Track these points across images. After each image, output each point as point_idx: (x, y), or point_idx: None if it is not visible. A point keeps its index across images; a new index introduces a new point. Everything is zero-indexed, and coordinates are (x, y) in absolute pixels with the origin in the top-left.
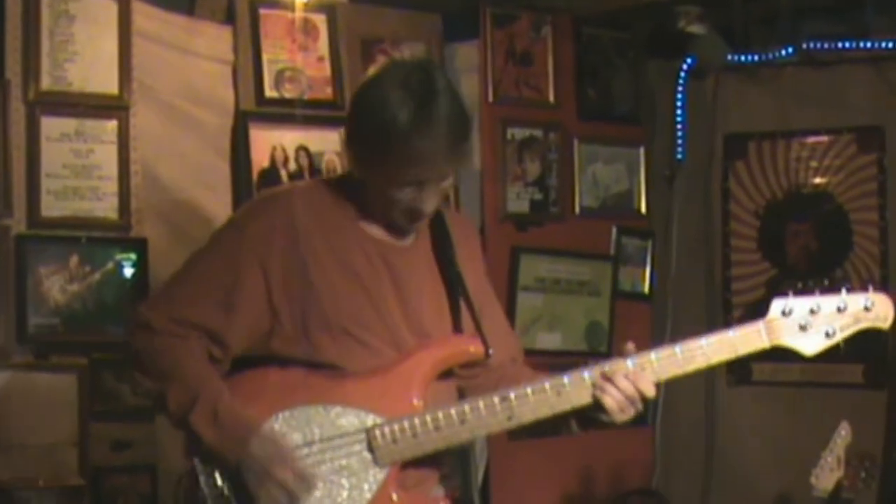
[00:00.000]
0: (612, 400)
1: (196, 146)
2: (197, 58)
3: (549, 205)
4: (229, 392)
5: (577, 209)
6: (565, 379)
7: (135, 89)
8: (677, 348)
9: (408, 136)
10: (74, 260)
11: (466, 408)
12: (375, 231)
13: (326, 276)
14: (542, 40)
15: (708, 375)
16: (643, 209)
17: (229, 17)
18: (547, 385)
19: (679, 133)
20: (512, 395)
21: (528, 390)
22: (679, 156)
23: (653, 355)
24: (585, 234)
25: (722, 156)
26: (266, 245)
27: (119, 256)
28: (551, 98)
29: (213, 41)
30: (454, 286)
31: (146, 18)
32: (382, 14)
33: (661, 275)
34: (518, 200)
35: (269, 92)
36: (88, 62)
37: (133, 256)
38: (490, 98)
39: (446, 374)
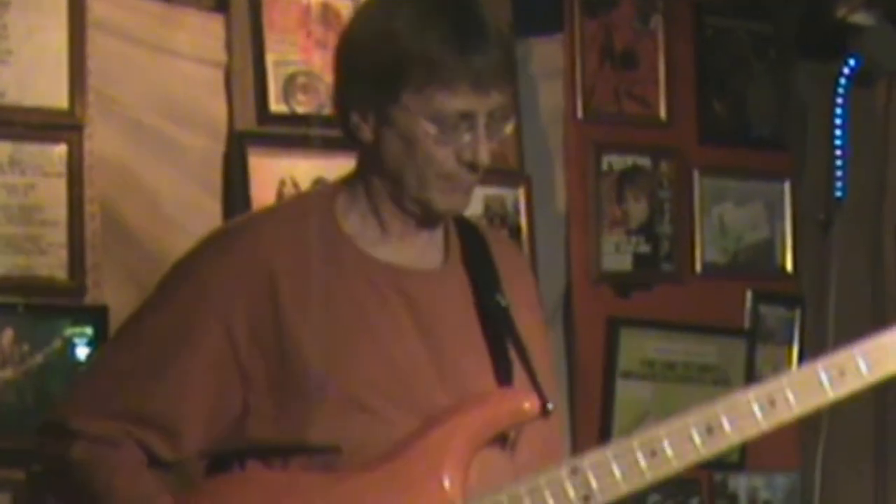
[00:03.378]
0: None
1: (175, 179)
2: (177, 58)
3: (660, 260)
4: None
5: (698, 266)
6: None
7: (91, 102)
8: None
9: (453, 47)
10: (8, 336)
11: (522, 491)
12: (386, 252)
13: (316, 325)
14: (651, 34)
15: (878, 491)
16: (789, 266)
17: (221, 3)
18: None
19: (838, 162)
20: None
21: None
22: (838, 193)
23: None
24: (710, 301)
25: None
26: (228, 297)
27: (69, 331)
28: (663, 114)
29: (198, 35)
30: (498, 323)
31: (107, 4)
32: None
33: (815, 356)
34: (617, 255)
35: (276, 105)
36: (27, 64)
37: (88, 331)
38: (579, 113)
39: (498, 444)
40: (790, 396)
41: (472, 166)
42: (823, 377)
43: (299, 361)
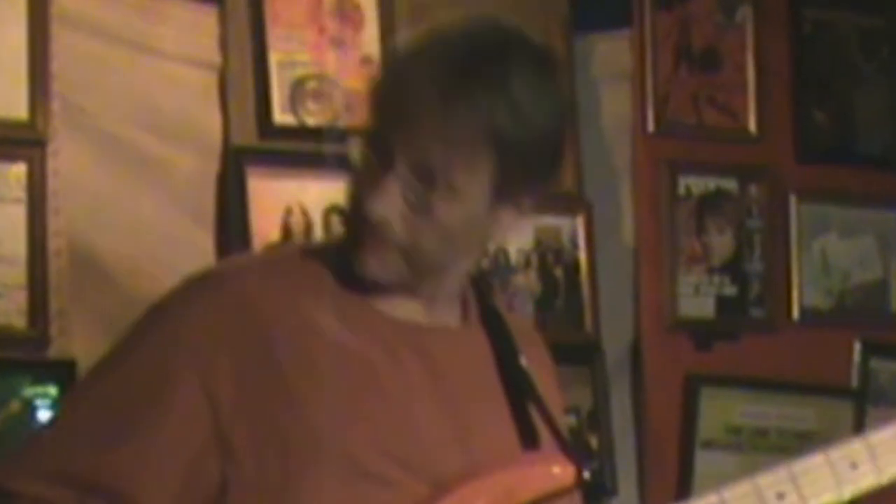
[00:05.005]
0: None
1: (159, 206)
2: (161, 59)
3: (749, 305)
4: None
5: (795, 312)
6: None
7: (56, 111)
8: None
9: (384, 65)
10: None
11: None
12: (399, 308)
13: (317, 383)
14: (738, 29)
15: None
16: None
17: None
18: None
19: None
20: None
21: None
22: None
23: None
24: (809, 354)
25: None
26: (211, 351)
27: (30, 391)
28: (752, 126)
29: (187, 32)
30: (521, 386)
31: None
32: None
33: None
34: (697, 298)
35: (281, 116)
36: None
37: (52, 390)
38: (650, 126)
39: None
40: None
41: (359, 213)
42: None
43: (299, 427)
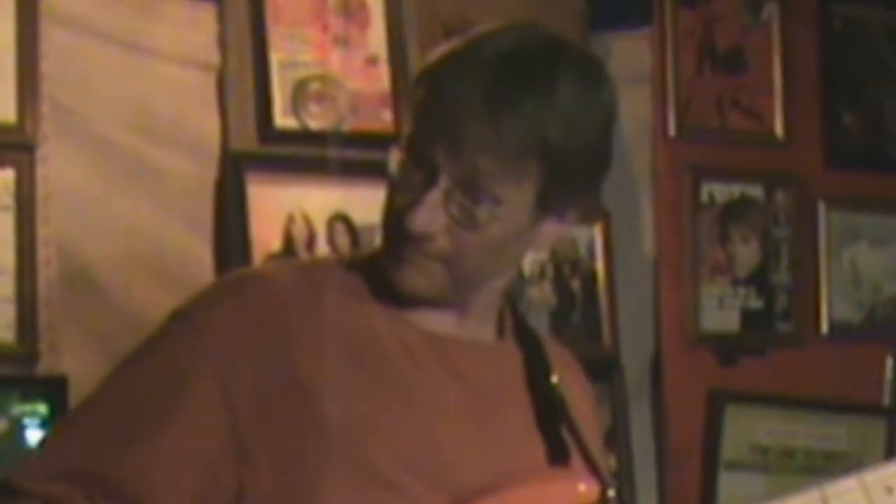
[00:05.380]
0: None
1: (154, 214)
2: (156, 59)
3: (776, 318)
4: None
5: (823, 326)
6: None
7: (46, 114)
8: None
9: (424, 74)
10: None
11: None
12: (429, 320)
13: (337, 389)
14: (764, 28)
15: None
16: None
17: None
18: None
19: None
20: None
21: None
22: None
23: None
24: (839, 370)
25: None
26: (231, 353)
27: (18, 409)
28: (779, 129)
29: (183, 30)
30: (553, 407)
31: None
32: None
33: None
34: (721, 311)
35: (282, 119)
36: None
37: (42, 408)
38: (671, 130)
39: None
40: None
41: (400, 227)
42: None
43: (319, 435)
